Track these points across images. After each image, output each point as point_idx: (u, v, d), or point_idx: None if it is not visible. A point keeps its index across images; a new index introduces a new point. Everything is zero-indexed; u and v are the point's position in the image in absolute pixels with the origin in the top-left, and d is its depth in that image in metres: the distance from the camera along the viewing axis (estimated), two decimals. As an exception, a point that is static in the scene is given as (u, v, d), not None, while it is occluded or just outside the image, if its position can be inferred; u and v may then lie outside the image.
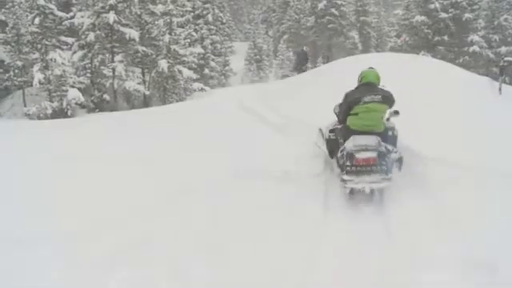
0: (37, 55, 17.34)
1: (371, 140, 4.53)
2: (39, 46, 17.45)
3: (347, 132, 4.81)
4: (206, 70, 29.02)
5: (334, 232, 3.73)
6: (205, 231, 3.72)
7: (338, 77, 10.17)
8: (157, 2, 20.71)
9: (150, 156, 6.06)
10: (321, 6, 43.45)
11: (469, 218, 3.71)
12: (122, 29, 18.19)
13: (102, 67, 18.76)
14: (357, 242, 3.49)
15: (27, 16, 17.61)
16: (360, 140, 4.57)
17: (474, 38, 28.71)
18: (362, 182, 4.39)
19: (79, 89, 17.54)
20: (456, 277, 2.98)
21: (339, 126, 5.21)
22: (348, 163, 4.45)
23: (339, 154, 4.74)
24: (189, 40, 23.39)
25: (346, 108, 4.85)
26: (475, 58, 28.96)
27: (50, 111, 16.66)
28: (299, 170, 5.23)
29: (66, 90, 16.97)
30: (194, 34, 25.90)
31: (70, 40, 18.80)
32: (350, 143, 4.57)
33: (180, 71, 20.05)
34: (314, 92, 9.60)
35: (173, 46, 19.84)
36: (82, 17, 18.77)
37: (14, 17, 17.51)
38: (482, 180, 4.46)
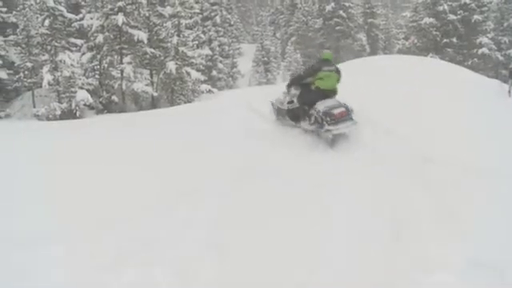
0: (46, 57, 17.49)
1: (335, 101, 6.33)
2: (49, 47, 17.60)
3: (316, 93, 6.57)
4: (214, 72, 29.13)
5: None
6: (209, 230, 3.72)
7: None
8: (165, 4, 20.85)
9: (155, 155, 6.09)
10: (329, 8, 43.49)
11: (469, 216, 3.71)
12: (130, 31, 18.31)
13: (111, 69, 18.89)
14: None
15: (37, 18, 17.79)
16: (328, 102, 6.28)
17: (483, 40, 28.56)
18: (340, 129, 6.00)
19: (88, 90, 17.68)
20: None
21: (298, 93, 6.96)
22: (328, 119, 6.00)
23: (315, 115, 6.29)
24: (197, 42, 23.51)
25: (312, 72, 6.71)
26: (484, 61, 28.80)
27: (58, 112, 16.80)
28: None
29: (75, 92, 17.10)
30: (202, 35, 26.05)
31: (79, 42, 18.97)
32: (322, 106, 6.23)
33: (188, 73, 20.14)
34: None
35: (181, 48, 19.93)
36: (91, 19, 18.93)
37: (25, 19, 17.69)
38: (483, 180, 4.45)
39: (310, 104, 6.52)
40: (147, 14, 19.96)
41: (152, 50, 19.73)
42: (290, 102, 7.03)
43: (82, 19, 19.35)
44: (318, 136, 6.37)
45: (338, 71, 6.72)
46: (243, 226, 3.82)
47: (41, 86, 17.77)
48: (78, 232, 3.71)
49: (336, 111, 6.02)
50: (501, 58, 29.45)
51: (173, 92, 20.53)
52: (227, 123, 7.94)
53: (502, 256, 3.20)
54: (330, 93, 6.54)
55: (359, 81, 9.36)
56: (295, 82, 7.12)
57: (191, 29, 22.59)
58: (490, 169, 4.72)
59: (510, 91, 11.54)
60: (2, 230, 3.80)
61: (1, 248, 3.48)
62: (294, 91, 7.09)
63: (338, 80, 6.76)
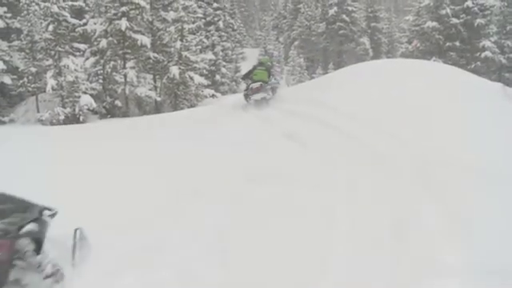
0: (50, 62, 17.57)
1: (258, 84, 10.96)
2: (52, 52, 17.68)
3: (252, 81, 11.21)
4: (217, 77, 29.18)
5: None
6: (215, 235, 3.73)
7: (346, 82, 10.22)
8: (168, 9, 20.93)
9: (161, 156, 6.13)
10: (331, 12, 43.62)
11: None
12: (133, 35, 18.38)
13: (114, 73, 18.96)
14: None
15: (41, 23, 17.87)
16: (253, 84, 11.05)
17: (486, 43, 28.48)
18: (255, 97, 10.84)
19: (91, 95, 17.72)
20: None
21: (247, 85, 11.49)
22: (249, 92, 10.98)
23: (245, 92, 11.41)
24: (200, 46, 23.58)
25: (251, 70, 11.70)
26: (487, 64, 28.71)
27: (62, 117, 16.85)
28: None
29: (79, 96, 17.16)
30: (205, 40, 26.11)
31: (82, 46, 19.04)
32: (250, 85, 11.15)
33: (191, 77, 20.19)
34: (327, 94, 9.58)
35: (184, 53, 20.00)
36: (95, 24, 19.02)
37: (29, 24, 17.79)
38: (486, 182, 4.44)
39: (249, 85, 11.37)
40: (150, 19, 20.05)
41: (155, 55, 19.81)
42: (245, 89, 11.52)
43: (85, 24, 19.43)
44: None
45: (267, 68, 11.64)
46: (248, 228, 3.84)
47: (44, 91, 17.84)
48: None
49: (253, 86, 10.95)
50: (504, 61, 29.35)
51: (176, 96, 20.58)
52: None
53: (509, 259, 3.19)
54: (260, 81, 11.01)
55: (362, 85, 9.38)
56: (245, 76, 12.04)
57: (194, 33, 22.67)
58: (494, 171, 4.72)
59: (513, 94, 11.51)
60: None
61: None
62: (246, 82, 11.80)
63: (266, 75, 11.39)
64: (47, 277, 2.96)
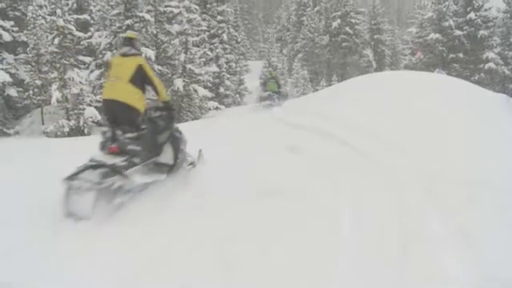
0: (55, 74, 17.70)
1: (267, 93, 16.89)
2: (58, 65, 17.83)
3: (265, 91, 17.31)
4: (221, 89, 29.29)
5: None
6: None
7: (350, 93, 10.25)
8: (173, 22, 21.10)
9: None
10: (335, 24, 43.88)
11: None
12: (138, 48, 18.53)
13: (119, 86, 19.06)
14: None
15: (47, 37, 18.07)
16: (263, 93, 17.26)
17: (490, 54, 28.56)
18: (263, 103, 16.49)
19: (96, 107, 17.82)
20: None
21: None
22: (261, 99, 17.10)
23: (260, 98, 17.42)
24: (204, 59, 23.71)
25: (266, 82, 17.59)
26: (491, 75, 28.76)
27: (67, 129, 16.95)
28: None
29: (83, 109, 17.27)
30: (209, 53, 26.24)
31: (87, 59, 19.22)
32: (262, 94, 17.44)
33: (195, 90, 20.30)
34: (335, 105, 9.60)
35: (188, 65, 20.13)
36: (100, 37, 19.21)
37: (35, 37, 17.98)
38: (492, 194, 4.42)
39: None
40: (155, 32, 20.21)
41: (159, 67, 19.92)
42: (260, 97, 17.14)
43: (90, 37, 19.62)
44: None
45: (276, 81, 17.09)
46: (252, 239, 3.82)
47: (49, 104, 17.96)
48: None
49: (263, 95, 16.49)
50: (507, 72, 29.38)
51: (180, 109, 20.67)
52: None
53: None
54: (270, 91, 16.34)
55: (365, 97, 9.39)
56: (262, 86, 16.24)
57: (198, 46, 22.83)
58: (498, 183, 4.69)
59: (517, 106, 11.49)
60: None
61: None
62: (263, 89, 17.43)
63: (276, 86, 16.92)
64: (190, 164, 5.67)
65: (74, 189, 3.88)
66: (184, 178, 5.27)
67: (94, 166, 4.08)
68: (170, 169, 5.10)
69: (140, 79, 4.71)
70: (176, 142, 5.23)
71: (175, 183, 5.03)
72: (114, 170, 4.09)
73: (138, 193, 4.50)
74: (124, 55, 4.81)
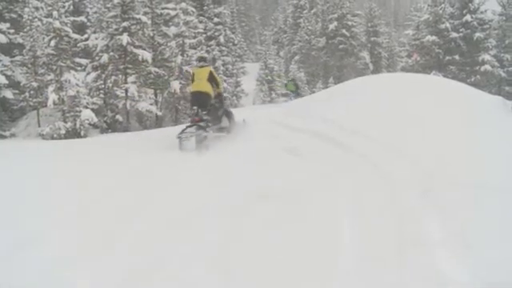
0: (52, 76, 17.67)
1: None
2: (54, 67, 17.79)
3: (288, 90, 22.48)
4: (219, 91, 29.28)
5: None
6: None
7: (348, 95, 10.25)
8: (169, 24, 21.10)
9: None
10: (332, 26, 43.95)
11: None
12: (135, 50, 18.51)
13: (115, 88, 19.04)
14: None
15: (43, 39, 18.03)
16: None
17: (486, 57, 28.69)
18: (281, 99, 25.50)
19: (92, 109, 17.79)
20: None
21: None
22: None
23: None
24: (201, 61, 23.69)
25: (286, 84, 21.92)
26: (487, 77, 28.92)
27: (63, 131, 16.90)
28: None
29: (80, 111, 17.22)
30: (206, 55, 26.27)
31: (84, 61, 19.18)
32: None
33: (192, 92, 20.25)
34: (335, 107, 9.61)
35: (185, 67, 20.11)
36: (96, 39, 19.18)
37: (31, 39, 17.94)
38: (490, 197, 4.42)
39: None
40: (151, 34, 20.21)
41: (156, 70, 19.90)
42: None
43: (87, 39, 19.61)
44: None
45: (295, 84, 20.92)
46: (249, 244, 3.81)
47: (46, 106, 17.91)
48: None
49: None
50: (503, 74, 29.55)
51: (177, 111, 20.65)
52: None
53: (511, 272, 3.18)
54: (289, 91, 20.94)
55: (362, 99, 9.39)
56: (284, 86, 22.61)
57: (195, 48, 22.81)
58: (496, 185, 4.69)
59: (513, 107, 11.52)
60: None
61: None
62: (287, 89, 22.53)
63: (294, 87, 20.45)
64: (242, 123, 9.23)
65: (183, 137, 7.71)
66: (235, 134, 8.73)
67: (190, 126, 7.93)
68: (227, 130, 8.91)
69: (210, 79, 8.38)
70: (228, 114, 9.17)
71: (230, 137, 8.50)
72: (201, 128, 7.75)
73: (214, 140, 8.07)
74: (201, 67, 8.58)
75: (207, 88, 8.21)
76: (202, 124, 7.82)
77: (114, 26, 18.59)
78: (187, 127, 7.92)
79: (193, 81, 8.49)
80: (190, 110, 9.18)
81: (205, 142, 7.70)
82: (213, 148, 7.62)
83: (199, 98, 8.18)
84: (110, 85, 19.02)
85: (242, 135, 8.57)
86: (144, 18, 18.89)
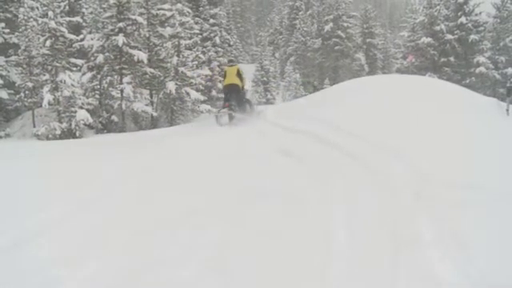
0: (47, 76, 17.57)
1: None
2: (49, 67, 17.70)
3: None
4: (214, 92, 29.24)
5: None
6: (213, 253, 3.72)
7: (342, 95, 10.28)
8: (165, 25, 21.05)
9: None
10: (327, 28, 44.07)
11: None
12: (130, 51, 18.45)
13: (111, 89, 18.96)
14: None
15: (39, 39, 17.95)
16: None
17: (480, 59, 28.85)
18: None
19: (88, 110, 17.71)
20: None
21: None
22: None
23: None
24: (196, 62, 23.66)
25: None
26: (482, 79, 29.07)
27: (58, 132, 16.82)
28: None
29: (75, 111, 17.16)
30: (201, 56, 26.15)
31: (79, 62, 19.08)
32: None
33: (188, 93, 20.23)
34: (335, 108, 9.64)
35: (180, 68, 20.07)
36: (92, 39, 19.10)
37: (27, 39, 17.86)
38: (482, 198, 4.44)
39: None
40: (147, 35, 20.15)
41: (152, 70, 19.84)
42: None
43: (82, 40, 19.50)
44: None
45: (312, 86, 26.38)
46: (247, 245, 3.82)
47: (41, 106, 17.84)
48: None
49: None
50: (498, 76, 29.69)
51: (172, 112, 20.62)
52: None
53: (507, 276, 3.20)
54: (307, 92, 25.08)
55: (358, 100, 9.43)
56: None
57: (191, 49, 22.75)
58: (492, 187, 4.72)
59: (507, 109, 11.61)
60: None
61: None
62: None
63: (312, 89, 25.28)
64: (258, 113, 12.55)
65: (220, 115, 12.00)
66: (256, 118, 11.59)
67: (223, 108, 11.88)
68: (249, 114, 12.08)
69: (238, 74, 12.02)
70: (249, 103, 12.89)
71: (252, 119, 11.46)
72: (231, 109, 11.55)
73: (239, 120, 11.38)
74: (231, 66, 12.80)
75: (237, 81, 11.87)
76: (232, 107, 11.53)
77: (110, 27, 18.51)
78: (221, 109, 12.05)
79: (225, 77, 12.07)
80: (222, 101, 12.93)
81: (233, 120, 11.45)
82: (238, 124, 11.22)
83: (231, 89, 11.81)
84: (106, 85, 18.94)
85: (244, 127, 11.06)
86: (140, 19, 18.82)
